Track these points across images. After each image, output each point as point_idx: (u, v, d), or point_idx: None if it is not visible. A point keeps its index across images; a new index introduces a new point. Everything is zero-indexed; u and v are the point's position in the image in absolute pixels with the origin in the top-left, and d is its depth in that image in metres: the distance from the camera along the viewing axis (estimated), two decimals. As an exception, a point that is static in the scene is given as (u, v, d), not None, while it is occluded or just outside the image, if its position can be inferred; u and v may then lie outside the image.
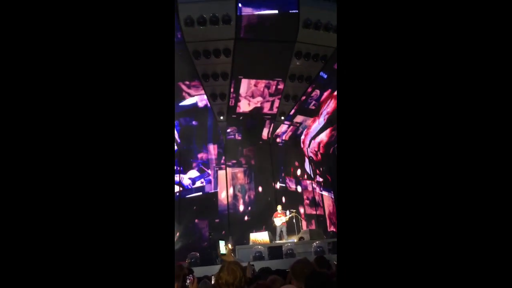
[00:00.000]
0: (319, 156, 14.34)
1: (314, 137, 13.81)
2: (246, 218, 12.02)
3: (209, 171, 12.24)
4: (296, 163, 13.64)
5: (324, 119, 12.92)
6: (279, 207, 10.05)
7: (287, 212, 9.87)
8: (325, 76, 11.07)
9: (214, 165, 12.42)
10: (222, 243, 2.37)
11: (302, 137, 13.69)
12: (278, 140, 13.31)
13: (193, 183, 12.07)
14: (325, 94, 11.91)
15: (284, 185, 13.05)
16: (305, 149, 13.93)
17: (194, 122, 12.22)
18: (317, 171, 14.23)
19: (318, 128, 13.41)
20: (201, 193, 11.99)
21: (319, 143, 14.13)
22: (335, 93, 11.64)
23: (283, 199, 12.06)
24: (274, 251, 8.02)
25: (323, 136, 13.94)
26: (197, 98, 11.28)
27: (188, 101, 11.31)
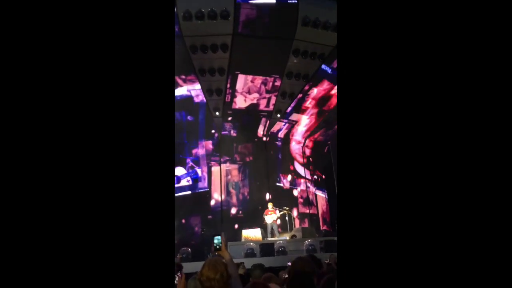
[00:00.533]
0: (314, 155, 14.34)
1: (309, 136, 13.81)
2: (239, 215, 12.00)
3: (197, 169, 12.04)
4: (291, 162, 13.63)
5: (314, 117, 12.86)
6: (270, 205, 10.04)
7: (277, 211, 9.87)
8: (329, 71, 10.92)
9: (208, 161, 12.35)
10: (216, 239, 2.32)
11: (297, 135, 13.69)
12: (273, 137, 13.29)
13: (178, 181, 11.76)
14: (321, 91, 11.87)
15: (278, 183, 13.04)
16: (300, 148, 13.93)
17: (189, 117, 12.16)
18: (311, 170, 14.23)
19: (313, 127, 13.40)
20: (190, 192, 11.79)
21: (314, 142, 14.14)
22: (333, 91, 11.62)
23: (277, 197, 12.04)
24: (266, 248, 7.99)
25: (318, 136, 13.95)
26: (186, 89, 11.09)
27: (177, 92, 11.11)
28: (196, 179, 11.94)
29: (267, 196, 11.95)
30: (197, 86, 10.92)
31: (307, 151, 14.02)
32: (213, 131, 12.17)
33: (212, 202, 11.97)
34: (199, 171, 12.01)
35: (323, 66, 10.72)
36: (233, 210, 12.09)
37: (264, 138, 12.95)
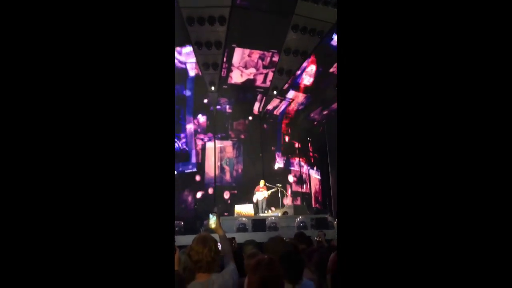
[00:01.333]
0: (309, 135, 14.33)
1: (306, 116, 13.74)
2: (232, 191, 12.10)
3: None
4: (286, 140, 13.64)
5: (311, 95, 12.72)
6: (261, 182, 10.12)
7: (267, 189, 9.96)
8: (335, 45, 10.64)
9: (196, 137, 12.29)
10: (211, 216, 2.32)
11: (292, 113, 13.62)
12: (269, 115, 13.22)
13: None
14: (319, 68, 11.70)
15: (273, 161, 13.10)
16: (294, 126, 13.89)
17: (184, 92, 11.97)
18: (306, 150, 14.28)
19: (309, 105, 13.31)
20: (177, 171, 11.72)
21: (309, 121, 14.09)
22: (331, 69, 11.47)
23: (271, 175, 12.12)
24: (258, 224, 8.11)
25: (314, 115, 13.89)
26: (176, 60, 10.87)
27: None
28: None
29: (261, 173, 12.01)
30: (191, 59, 10.70)
31: (303, 130, 13.97)
32: (201, 115, 11.99)
33: (206, 179, 12.01)
34: None
35: (333, 37, 10.38)
36: (226, 186, 12.17)
37: (260, 115, 12.87)
